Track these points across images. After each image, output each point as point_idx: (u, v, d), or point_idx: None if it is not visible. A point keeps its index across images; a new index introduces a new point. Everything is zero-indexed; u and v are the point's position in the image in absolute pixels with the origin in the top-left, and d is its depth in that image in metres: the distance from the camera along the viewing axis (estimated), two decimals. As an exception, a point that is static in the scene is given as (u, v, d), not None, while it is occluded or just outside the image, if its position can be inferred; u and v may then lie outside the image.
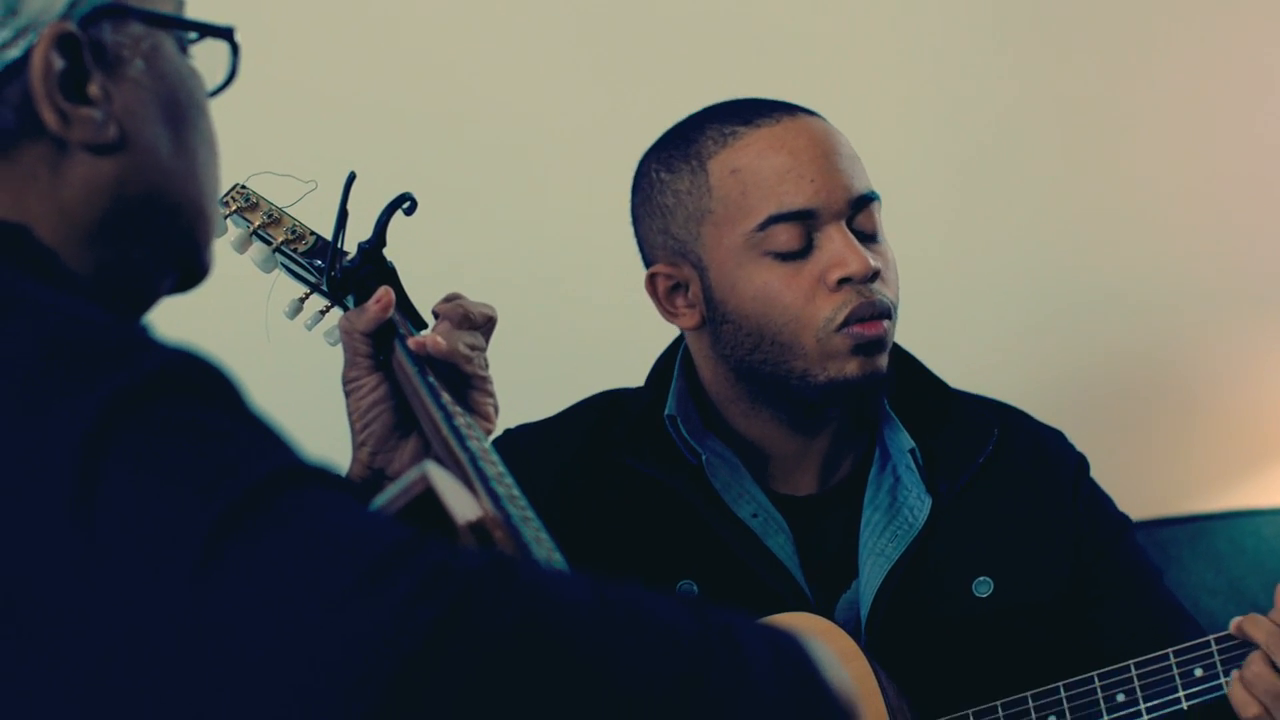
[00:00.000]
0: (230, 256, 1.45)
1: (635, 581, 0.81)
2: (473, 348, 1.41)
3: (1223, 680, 1.55)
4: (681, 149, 1.66)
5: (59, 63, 0.90)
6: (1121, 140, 2.65)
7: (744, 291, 1.62)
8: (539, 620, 0.74)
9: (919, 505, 1.65)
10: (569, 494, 1.68)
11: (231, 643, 0.71)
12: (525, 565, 0.80)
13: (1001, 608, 1.64)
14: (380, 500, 0.91)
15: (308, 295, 1.52)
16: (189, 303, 1.03)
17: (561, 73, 2.54)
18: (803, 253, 1.60)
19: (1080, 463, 1.75)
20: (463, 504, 0.95)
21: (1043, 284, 2.63)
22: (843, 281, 1.59)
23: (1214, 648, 1.55)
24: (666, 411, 1.67)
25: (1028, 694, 1.57)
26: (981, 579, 1.65)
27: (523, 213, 2.51)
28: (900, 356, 1.72)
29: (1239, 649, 1.55)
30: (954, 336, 2.50)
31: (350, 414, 1.42)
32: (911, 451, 1.66)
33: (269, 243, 1.52)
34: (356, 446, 1.42)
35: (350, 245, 1.48)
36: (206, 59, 0.99)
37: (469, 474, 1.19)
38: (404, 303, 1.46)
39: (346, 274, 1.46)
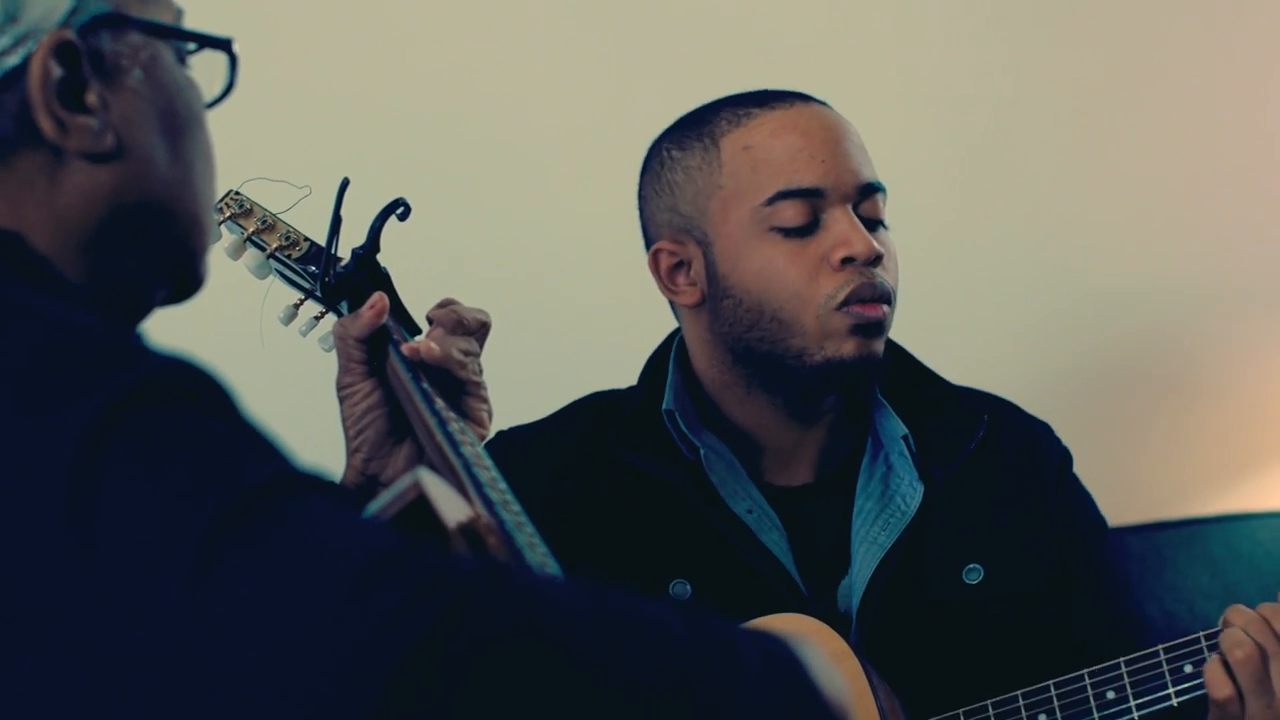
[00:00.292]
0: (224, 262, 1.45)
1: (629, 583, 0.82)
2: (467, 353, 1.41)
3: None
4: (695, 129, 1.68)
5: (57, 71, 0.90)
6: (1119, 136, 2.65)
7: (747, 267, 1.62)
8: (532, 626, 0.75)
9: (911, 493, 1.65)
10: (563, 493, 1.68)
11: (227, 646, 0.72)
12: (518, 571, 0.80)
13: (991, 595, 1.65)
14: (374, 507, 0.91)
15: (302, 301, 1.51)
16: (184, 308, 1.03)
17: (555, 75, 2.53)
18: (808, 230, 1.61)
19: (1065, 456, 1.76)
20: (456, 511, 0.95)
21: (1039, 284, 2.63)
22: (846, 262, 1.60)
23: (1204, 644, 1.56)
24: (664, 406, 1.68)
25: (1018, 693, 1.57)
26: (972, 566, 1.65)
27: (515, 217, 2.51)
28: (891, 348, 1.73)
29: None
30: (949, 336, 2.49)
31: (344, 420, 1.42)
32: (905, 438, 1.66)
33: (263, 249, 1.52)
34: (350, 453, 1.42)
35: (344, 251, 1.48)
36: (204, 70, 0.99)
37: (463, 480, 1.19)
38: (398, 308, 1.46)
39: (341, 280, 1.46)
